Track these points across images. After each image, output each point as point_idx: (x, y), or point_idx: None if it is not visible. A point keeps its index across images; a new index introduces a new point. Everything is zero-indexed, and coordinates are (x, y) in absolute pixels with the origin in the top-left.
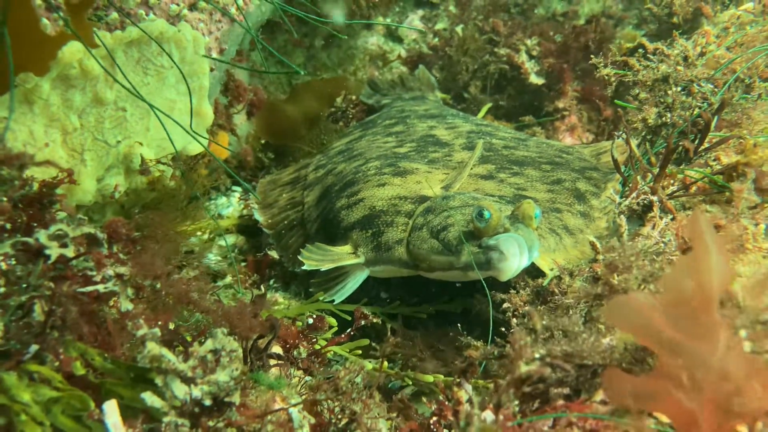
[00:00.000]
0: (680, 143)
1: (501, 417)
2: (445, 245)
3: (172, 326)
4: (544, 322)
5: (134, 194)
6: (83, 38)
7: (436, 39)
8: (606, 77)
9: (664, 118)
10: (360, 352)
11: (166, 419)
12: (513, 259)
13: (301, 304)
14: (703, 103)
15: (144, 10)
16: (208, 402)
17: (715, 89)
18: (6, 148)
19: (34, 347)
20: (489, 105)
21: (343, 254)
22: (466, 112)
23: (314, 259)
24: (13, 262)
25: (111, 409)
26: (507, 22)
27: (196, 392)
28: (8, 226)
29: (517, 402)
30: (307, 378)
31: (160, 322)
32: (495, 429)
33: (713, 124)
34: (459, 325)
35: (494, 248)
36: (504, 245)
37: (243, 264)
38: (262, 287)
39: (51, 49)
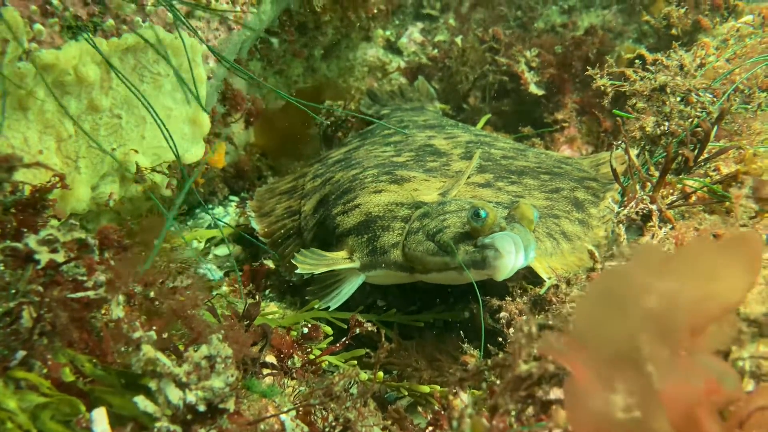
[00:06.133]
0: (680, 152)
1: (496, 423)
2: (440, 246)
3: (165, 335)
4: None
5: (129, 203)
6: None
7: (436, 51)
8: (602, 87)
9: (662, 127)
10: (355, 362)
11: (157, 425)
12: (509, 257)
13: (296, 312)
14: (702, 112)
15: (141, 17)
16: (202, 408)
17: (715, 99)
18: None
19: (21, 353)
20: (488, 116)
21: (338, 259)
22: (465, 122)
23: (308, 263)
24: (2, 268)
25: (99, 417)
26: (507, 33)
27: (191, 397)
28: None
29: (513, 407)
30: (301, 388)
31: (155, 327)
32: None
33: (713, 133)
34: (460, 332)
35: (490, 246)
36: (499, 243)
37: (239, 273)
38: (256, 296)
39: None
